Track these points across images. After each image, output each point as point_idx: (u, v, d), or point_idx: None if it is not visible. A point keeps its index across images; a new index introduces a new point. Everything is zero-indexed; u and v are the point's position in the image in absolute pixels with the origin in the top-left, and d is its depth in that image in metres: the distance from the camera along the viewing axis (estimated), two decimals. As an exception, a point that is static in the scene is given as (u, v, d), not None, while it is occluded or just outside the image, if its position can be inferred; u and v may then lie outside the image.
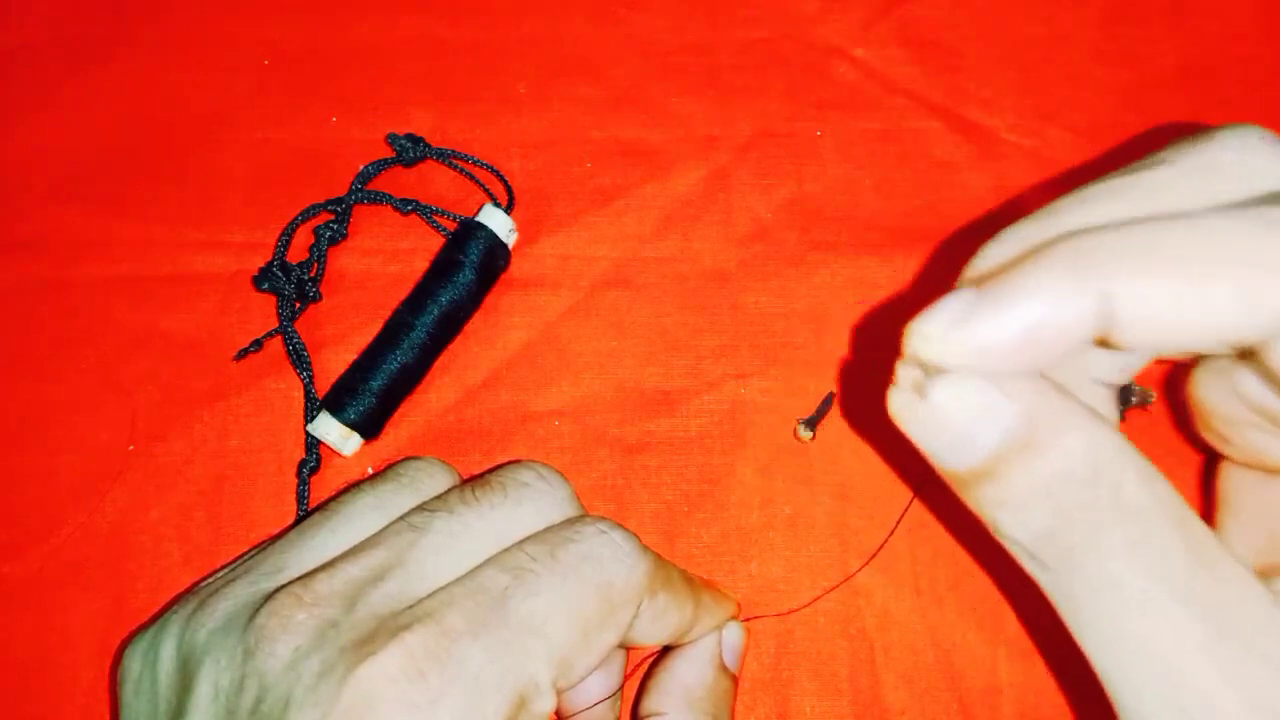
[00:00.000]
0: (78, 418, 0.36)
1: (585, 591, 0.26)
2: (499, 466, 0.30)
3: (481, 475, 0.29)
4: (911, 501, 0.35)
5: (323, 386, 0.36)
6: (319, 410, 0.35)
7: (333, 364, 0.36)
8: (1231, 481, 0.28)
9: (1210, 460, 0.31)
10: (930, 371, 0.21)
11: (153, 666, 0.26)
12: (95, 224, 0.38)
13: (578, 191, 0.39)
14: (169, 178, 0.39)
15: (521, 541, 0.27)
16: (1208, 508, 0.30)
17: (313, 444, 0.35)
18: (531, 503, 0.28)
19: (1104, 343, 0.21)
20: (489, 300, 0.37)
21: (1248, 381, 0.25)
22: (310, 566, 0.27)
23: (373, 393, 0.35)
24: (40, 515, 0.35)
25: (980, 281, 0.21)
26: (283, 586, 0.25)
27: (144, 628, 0.28)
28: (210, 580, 0.28)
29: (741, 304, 0.38)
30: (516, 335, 0.37)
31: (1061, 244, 0.21)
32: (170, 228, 0.38)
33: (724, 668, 0.32)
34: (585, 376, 0.37)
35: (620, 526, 0.28)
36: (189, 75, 0.41)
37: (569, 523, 0.28)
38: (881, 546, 0.34)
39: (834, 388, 0.36)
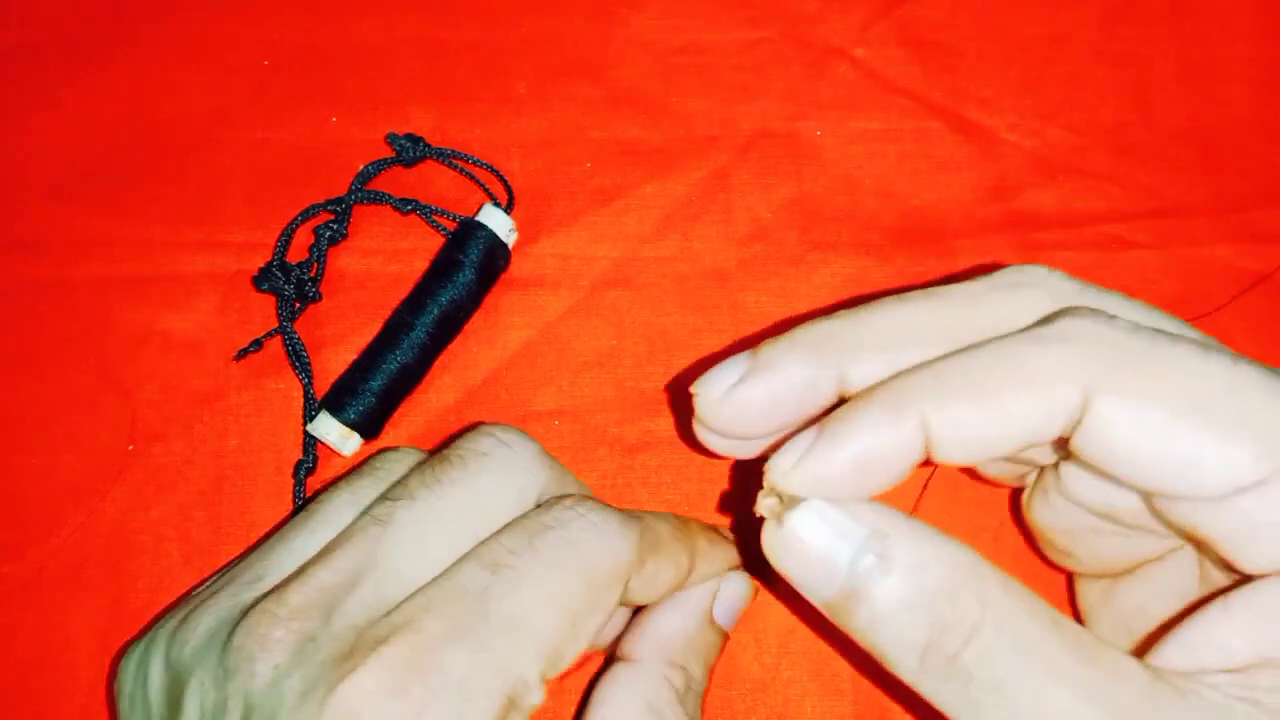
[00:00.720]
0: (77, 418, 0.36)
1: (569, 580, 0.25)
2: (459, 435, 0.29)
3: (441, 449, 0.28)
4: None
5: (323, 386, 0.36)
6: (319, 410, 0.35)
7: (332, 364, 0.36)
8: (1085, 594, 0.31)
9: (1069, 580, 0.33)
10: (787, 502, 0.24)
11: (144, 683, 0.26)
12: (95, 224, 0.38)
13: (577, 191, 0.39)
14: (169, 178, 0.39)
15: (498, 533, 0.26)
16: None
17: (310, 444, 0.35)
18: (493, 473, 0.27)
19: (929, 462, 0.24)
20: (489, 300, 0.37)
21: (1080, 486, 0.27)
22: (289, 571, 0.26)
23: (372, 393, 0.35)
24: (40, 515, 0.35)
25: (756, 364, 0.26)
26: (258, 601, 0.25)
27: (136, 640, 0.27)
28: (197, 591, 0.28)
29: (741, 304, 0.38)
30: (516, 335, 0.37)
31: (882, 385, 0.24)
32: (170, 228, 0.38)
33: (712, 621, 0.31)
34: (585, 376, 0.37)
35: (599, 504, 0.27)
36: (189, 75, 0.41)
37: (546, 507, 0.27)
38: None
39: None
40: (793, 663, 0.34)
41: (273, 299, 0.37)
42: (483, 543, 0.26)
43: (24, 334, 0.37)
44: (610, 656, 0.30)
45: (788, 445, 0.24)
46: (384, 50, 0.41)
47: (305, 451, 0.35)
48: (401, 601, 0.25)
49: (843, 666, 0.34)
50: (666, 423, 0.36)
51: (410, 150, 0.39)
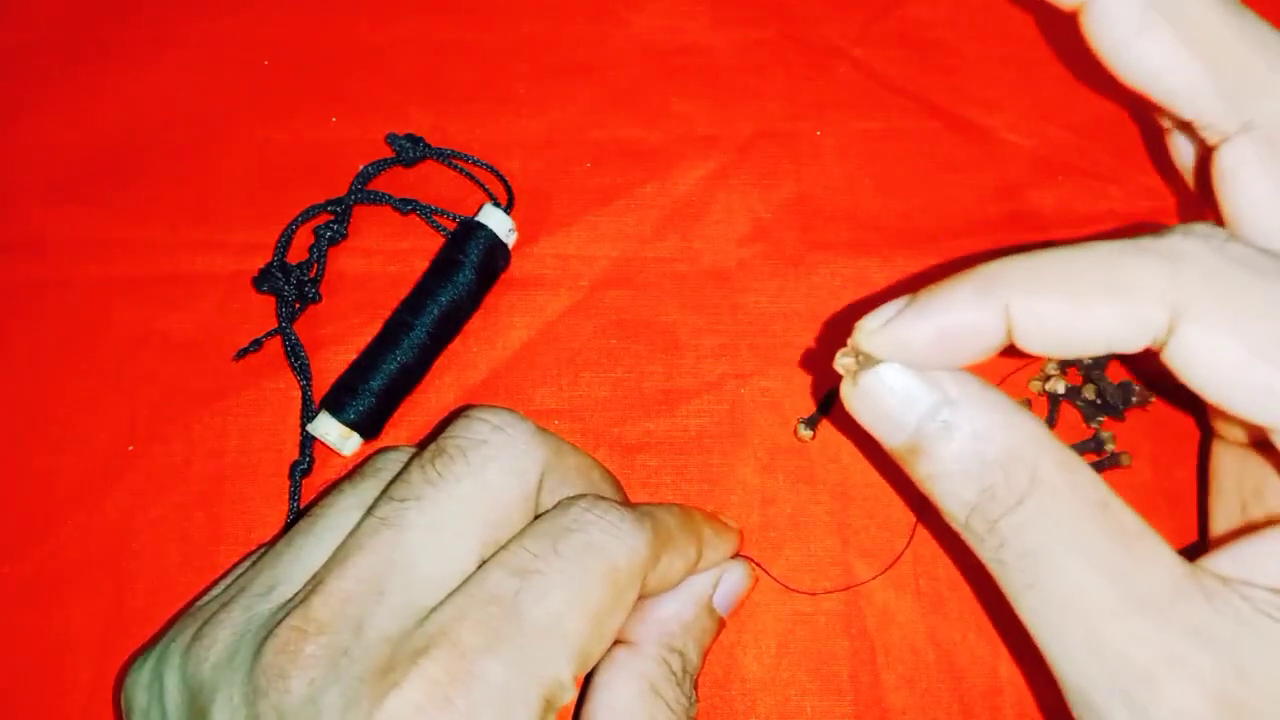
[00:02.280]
0: (77, 418, 0.36)
1: (593, 582, 0.26)
2: (450, 422, 0.28)
3: (435, 440, 0.28)
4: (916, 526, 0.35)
5: (323, 386, 0.36)
6: (319, 410, 0.35)
7: (333, 364, 0.36)
8: (1220, 459, 0.32)
9: (1204, 448, 0.34)
10: (865, 362, 0.26)
11: (160, 699, 0.26)
12: (95, 224, 0.38)
13: (577, 191, 0.39)
14: (169, 178, 0.39)
15: (520, 537, 0.26)
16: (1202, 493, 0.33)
17: (307, 445, 0.35)
18: (496, 461, 0.27)
19: (1013, 347, 0.25)
20: (489, 300, 0.37)
21: None
22: (302, 579, 0.26)
23: (372, 392, 0.35)
24: (40, 515, 0.35)
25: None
26: (281, 615, 0.25)
27: (143, 654, 0.27)
28: (205, 601, 0.28)
29: (741, 304, 0.38)
30: (516, 335, 0.37)
31: (977, 267, 0.25)
32: (170, 228, 0.38)
33: (711, 608, 0.31)
34: (585, 376, 0.37)
35: (613, 504, 0.28)
36: (189, 75, 0.41)
37: (563, 509, 0.27)
38: (901, 556, 0.34)
39: (833, 387, 0.36)
40: (792, 663, 0.34)
41: (272, 299, 0.37)
42: (506, 548, 0.26)
43: (24, 334, 0.37)
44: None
45: (878, 309, 0.26)
46: (384, 50, 0.41)
47: (302, 452, 0.35)
48: (433, 610, 0.25)
49: (842, 666, 0.34)
50: (666, 423, 0.36)
51: (410, 150, 0.39)
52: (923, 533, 0.35)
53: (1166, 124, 0.33)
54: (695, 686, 0.30)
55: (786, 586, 0.34)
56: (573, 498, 0.28)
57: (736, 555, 0.34)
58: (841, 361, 0.26)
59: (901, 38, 0.41)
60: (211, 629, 0.26)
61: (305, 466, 0.35)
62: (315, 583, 0.25)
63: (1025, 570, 0.24)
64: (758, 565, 0.34)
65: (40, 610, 0.34)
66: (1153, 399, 0.35)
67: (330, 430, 0.34)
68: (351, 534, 0.26)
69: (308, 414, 0.36)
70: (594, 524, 0.27)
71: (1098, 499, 0.24)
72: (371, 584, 0.25)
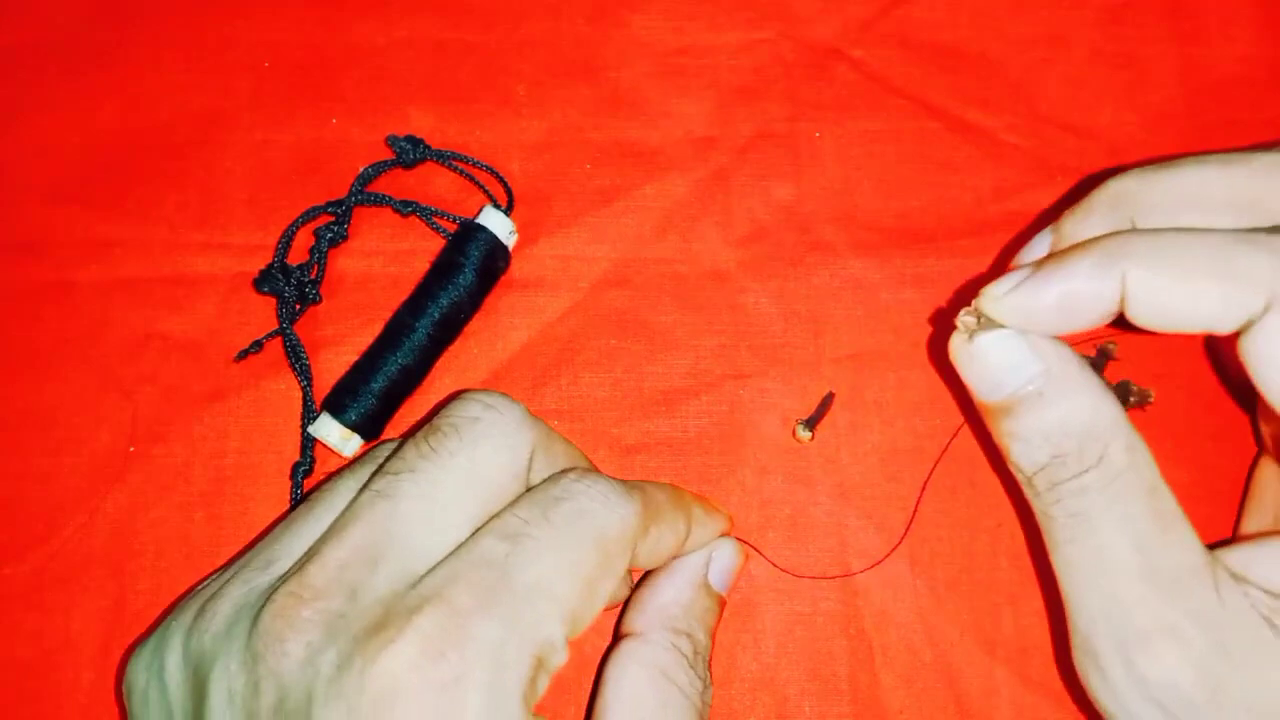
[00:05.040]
0: (78, 419, 0.36)
1: (583, 547, 0.26)
2: (444, 404, 0.29)
3: (429, 421, 0.28)
4: (953, 439, 0.35)
5: (324, 388, 0.36)
6: (320, 411, 0.35)
7: (333, 365, 0.36)
8: (1261, 474, 0.34)
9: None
10: (984, 324, 0.29)
11: (159, 676, 0.26)
12: (96, 226, 0.38)
13: (577, 192, 0.39)
14: (169, 179, 0.39)
15: (511, 506, 0.27)
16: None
17: (308, 446, 0.35)
18: (488, 438, 0.28)
19: (1123, 319, 0.27)
20: (489, 301, 0.37)
21: None
22: (299, 555, 0.27)
23: (373, 394, 0.35)
24: (41, 516, 0.35)
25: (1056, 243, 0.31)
26: (279, 587, 0.25)
27: (144, 639, 0.28)
28: (205, 584, 0.28)
29: (740, 304, 0.38)
30: (516, 336, 0.37)
31: (1101, 240, 0.27)
32: (170, 229, 0.38)
33: (708, 587, 0.32)
34: (585, 377, 0.37)
35: (602, 476, 0.28)
36: (189, 76, 0.41)
37: (554, 480, 0.28)
38: (912, 522, 0.34)
39: (832, 388, 0.36)
40: (791, 663, 0.34)
41: (273, 300, 0.37)
42: (497, 516, 0.27)
43: (25, 335, 0.37)
44: (616, 634, 0.31)
45: (1005, 276, 0.28)
46: (384, 52, 0.41)
47: (303, 453, 0.35)
48: (425, 574, 0.25)
49: (840, 667, 0.34)
50: (666, 423, 0.36)
51: (410, 152, 0.39)
52: (921, 533, 0.35)
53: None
54: (708, 668, 0.31)
55: (781, 568, 0.34)
56: (563, 470, 0.29)
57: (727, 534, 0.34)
58: (964, 319, 0.29)
59: (901, 39, 0.41)
60: (213, 604, 0.26)
61: (307, 467, 0.35)
62: (311, 553, 0.26)
63: (1071, 527, 0.27)
64: (752, 547, 0.34)
65: (42, 611, 0.34)
66: (1151, 399, 0.35)
67: (331, 432, 0.34)
68: (348, 506, 0.27)
69: (308, 415, 0.36)
70: (584, 493, 0.27)
71: (1149, 483, 0.27)
72: (366, 551, 0.25)
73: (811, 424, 0.36)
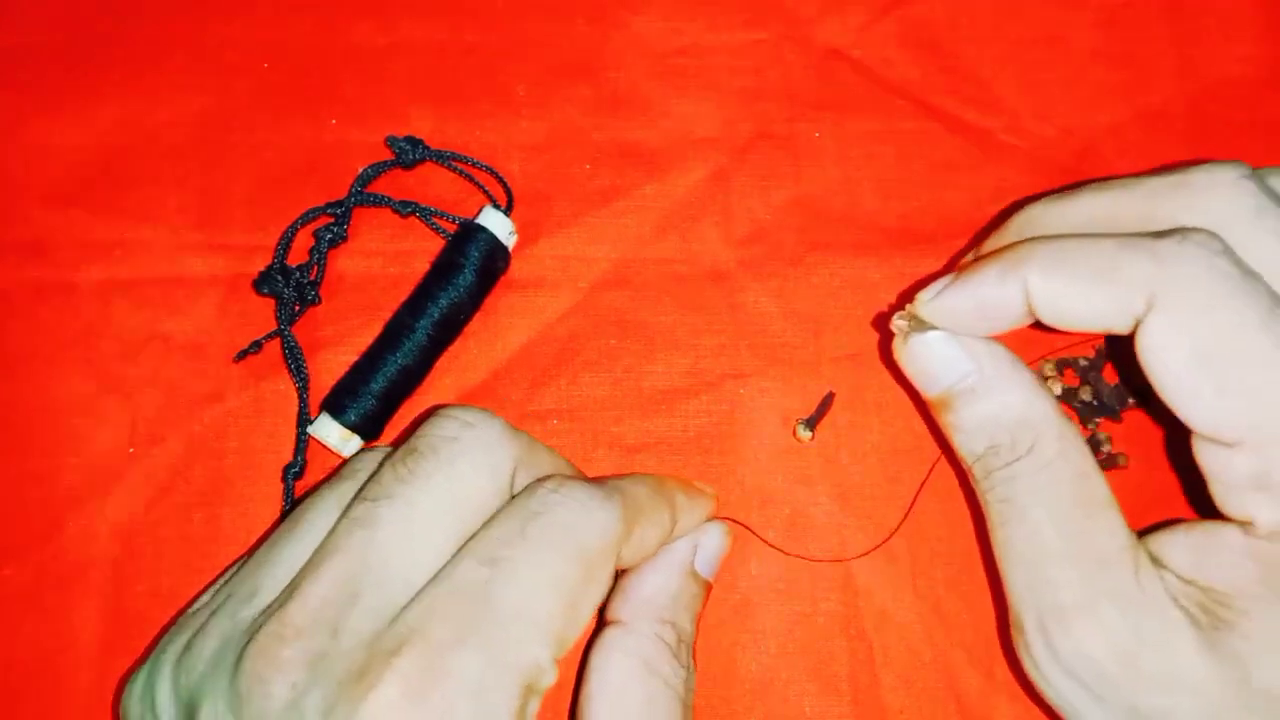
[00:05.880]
0: (78, 420, 0.36)
1: (564, 563, 0.26)
2: (421, 421, 0.29)
3: (407, 440, 0.28)
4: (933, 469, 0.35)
5: (324, 388, 0.36)
6: (320, 412, 0.35)
7: (333, 366, 0.36)
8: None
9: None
10: (916, 326, 0.31)
11: (153, 709, 0.26)
12: (95, 226, 0.38)
13: (577, 193, 0.39)
14: (169, 180, 0.39)
15: (488, 525, 0.26)
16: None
17: (301, 447, 0.35)
18: (466, 457, 0.27)
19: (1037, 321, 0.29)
20: (489, 302, 0.37)
21: None
22: (283, 584, 0.26)
23: (373, 394, 0.35)
24: (40, 517, 0.35)
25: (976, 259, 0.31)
26: (261, 625, 0.25)
27: (138, 666, 0.27)
28: (194, 609, 0.28)
29: (740, 304, 0.38)
30: (516, 336, 0.37)
31: (1007, 248, 0.29)
32: (170, 230, 0.38)
33: (694, 574, 0.32)
34: (584, 377, 0.37)
35: (579, 482, 0.28)
36: (189, 78, 0.41)
37: (530, 492, 0.27)
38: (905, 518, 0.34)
39: (832, 388, 0.36)
40: (791, 663, 0.34)
41: (273, 300, 0.37)
42: (474, 537, 0.26)
43: (24, 336, 0.37)
44: (601, 621, 0.31)
45: (932, 284, 0.31)
46: (384, 53, 0.41)
47: (296, 454, 0.35)
48: (405, 606, 0.25)
49: (841, 667, 0.34)
50: (665, 423, 0.36)
51: (410, 152, 0.39)
52: (921, 534, 0.35)
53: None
54: (693, 655, 0.30)
55: (773, 546, 0.34)
56: (540, 479, 0.28)
57: (715, 519, 0.34)
58: (896, 323, 0.31)
59: (901, 39, 0.41)
60: (200, 639, 0.26)
61: (298, 469, 0.35)
62: (292, 587, 0.25)
63: (1002, 512, 0.29)
64: (743, 525, 0.34)
65: (41, 612, 0.34)
66: (1123, 463, 0.35)
67: (331, 432, 0.34)
68: (327, 537, 0.26)
69: (304, 417, 0.36)
70: (561, 504, 0.27)
71: (1079, 471, 0.29)
72: (346, 586, 0.25)
73: (812, 424, 0.36)
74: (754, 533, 0.34)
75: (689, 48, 0.41)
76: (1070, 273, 0.28)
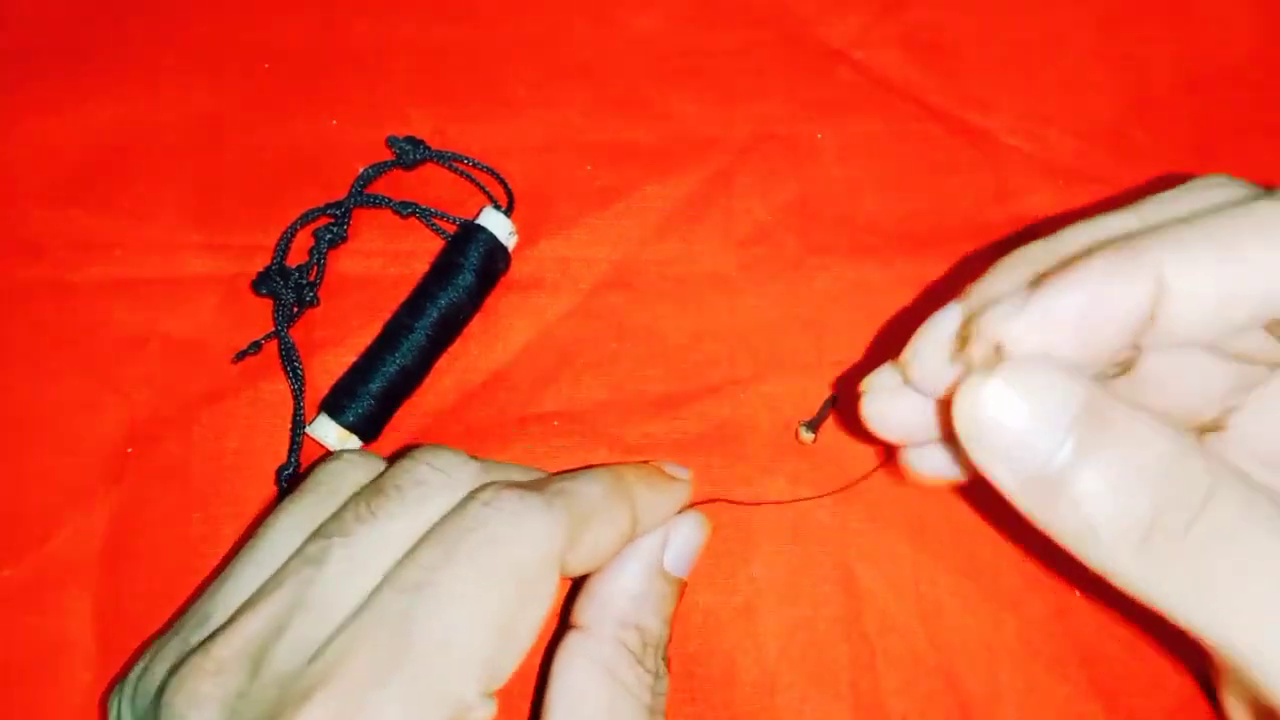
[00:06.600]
0: (76, 419, 0.36)
1: (494, 584, 0.24)
2: (396, 460, 0.28)
3: (380, 477, 0.27)
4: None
5: (323, 389, 0.36)
6: (319, 413, 0.35)
7: (332, 366, 0.36)
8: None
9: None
10: (985, 363, 0.21)
11: None
12: (94, 226, 0.38)
13: (577, 194, 0.39)
14: (169, 180, 0.39)
15: (414, 549, 0.25)
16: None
17: (295, 448, 0.35)
18: (432, 500, 0.26)
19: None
20: (489, 302, 0.37)
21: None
22: (233, 610, 0.25)
23: (372, 395, 0.34)
24: (38, 517, 0.35)
25: (991, 297, 0.23)
26: (187, 658, 0.23)
27: (118, 682, 0.27)
28: (172, 627, 0.27)
29: (741, 306, 0.38)
30: (516, 337, 0.37)
31: (1106, 246, 0.22)
32: (169, 230, 0.38)
33: (663, 573, 0.29)
34: (585, 378, 0.37)
35: (516, 492, 0.25)
36: (189, 78, 0.41)
37: (460, 508, 0.25)
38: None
39: (834, 390, 0.36)
40: (791, 666, 0.34)
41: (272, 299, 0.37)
42: (399, 563, 0.24)
43: (23, 336, 0.37)
44: (563, 621, 0.29)
45: (994, 306, 0.22)
46: (384, 53, 0.41)
47: (289, 456, 0.35)
48: (325, 643, 0.23)
49: (842, 671, 0.33)
50: (666, 425, 0.36)
51: (410, 153, 0.39)
52: (923, 537, 0.35)
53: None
54: (666, 658, 0.29)
55: (742, 503, 0.33)
56: (474, 491, 0.26)
57: (692, 506, 0.32)
58: (977, 353, 0.22)
59: (902, 40, 0.41)
60: (155, 663, 0.25)
61: (291, 471, 0.35)
62: (232, 619, 0.24)
63: (1241, 581, 0.20)
64: (727, 500, 0.33)
65: (39, 611, 0.34)
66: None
67: (329, 433, 0.34)
68: (276, 572, 0.25)
69: (299, 419, 0.35)
70: (492, 519, 0.25)
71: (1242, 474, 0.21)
72: (276, 620, 0.24)
73: (814, 426, 0.36)
74: (728, 500, 0.33)
75: (690, 47, 0.41)
76: (1221, 245, 0.21)
